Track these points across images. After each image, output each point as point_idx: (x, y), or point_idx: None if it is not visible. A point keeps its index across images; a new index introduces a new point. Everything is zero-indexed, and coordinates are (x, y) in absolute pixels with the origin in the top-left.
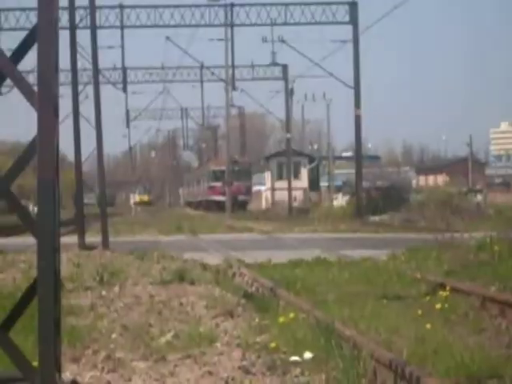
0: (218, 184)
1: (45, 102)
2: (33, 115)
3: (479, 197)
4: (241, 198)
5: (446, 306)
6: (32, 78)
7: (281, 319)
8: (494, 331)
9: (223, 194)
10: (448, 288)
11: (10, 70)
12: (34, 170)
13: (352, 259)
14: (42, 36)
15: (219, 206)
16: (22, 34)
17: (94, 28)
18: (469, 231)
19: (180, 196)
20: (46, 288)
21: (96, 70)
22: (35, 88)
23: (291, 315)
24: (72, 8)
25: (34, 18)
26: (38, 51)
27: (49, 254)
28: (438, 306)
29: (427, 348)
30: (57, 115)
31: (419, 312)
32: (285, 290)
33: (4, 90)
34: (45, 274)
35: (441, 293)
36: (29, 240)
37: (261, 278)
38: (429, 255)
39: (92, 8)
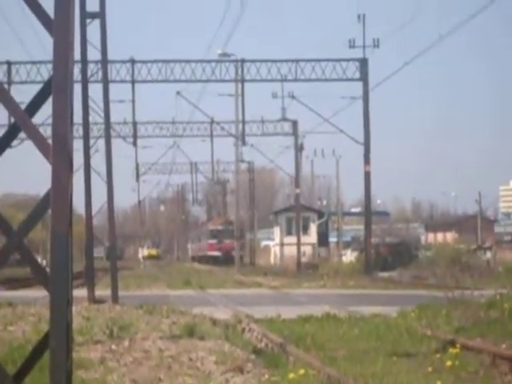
0: (215, 241)
1: (59, 156)
2: (43, 168)
3: (488, 254)
4: (234, 253)
5: (457, 363)
6: (42, 131)
7: (291, 375)
8: None
9: (219, 249)
10: (458, 345)
11: (25, 123)
12: (43, 223)
13: (362, 315)
14: (57, 89)
15: (216, 260)
16: (33, 88)
17: (106, 82)
18: (478, 288)
19: (188, 250)
20: (58, 341)
21: (108, 124)
22: (49, 141)
23: (301, 371)
24: (84, 62)
25: (44, 72)
26: (52, 105)
27: (62, 307)
28: (449, 363)
29: None
30: (71, 169)
31: (430, 369)
32: (294, 345)
33: (14, 142)
34: (57, 327)
35: (451, 350)
36: (38, 293)
37: (270, 334)
38: (439, 312)
39: (104, 62)
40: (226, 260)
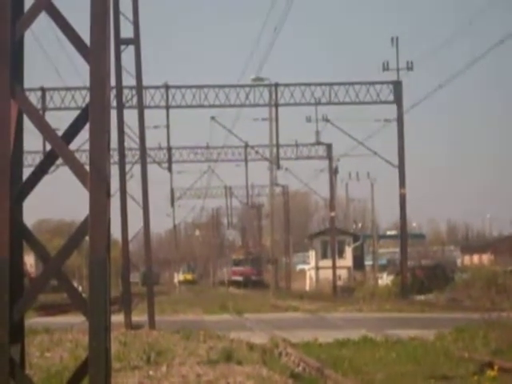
0: (237, 268)
1: (97, 183)
2: (79, 193)
3: None
4: (253, 277)
5: None
6: (78, 156)
7: None
8: None
9: (240, 275)
10: (496, 367)
11: (62, 150)
12: (78, 249)
13: (399, 339)
14: (94, 117)
15: (238, 284)
16: (67, 114)
17: (141, 108)
18: None
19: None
20: (97, 368)
21: (143, 150)
22: (86, 167)
23: None
24: (119, 88)
25: (79, 98)
26: (90, 132)
27: (100, 333)
28: None
29: None
30: (108, 195)
31: None
32: (332, 369)
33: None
34: (96, 354)
35: (489, 372)
36: (74, 319)
37: (307, 358)
38: (476, 335)
39: (139, 88)
40: (245, 283)
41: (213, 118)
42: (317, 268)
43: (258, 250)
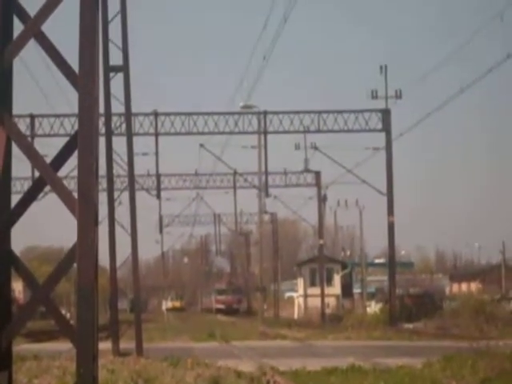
0: (220, 297)
1: (85, 210)
2: (67, 220)
3: None
4: (234, 306)
5: None
6: (66, 183)
7: None
8: None
9: (223, 303)
10: None
11: (51, 177)
12: (66, 275)
13: (387, 367)
14: (82, 144)
15: (221, 311)
16: (56, 141)
17: (130, 135)
18: (503, 339)
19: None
20: None
21: (132, 177)
22: (75, 195)
23: None
24: (108, 115)
25: (68, 125)
26: (78, 159)
27: (88, 360)
28: None
29: None
30: (97, 223)
31: None
32: None
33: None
34: (84, 381)
35: None
36: (62, 345)
37: None
38: (464, 363)
39: (128, 115)
40: (227, 311)
41: (201, 145)
42: (305, 296)
43: (238, 282)
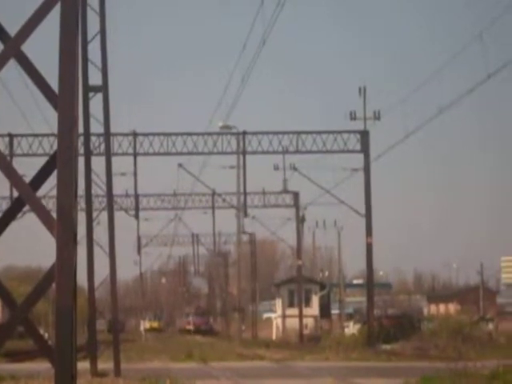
0: (189, 319)
1: (64, 230)
2: (46, 240)
3: (490, 325)
4: (202, 327)
5: None
6: (44, 203)
7: None
8: None
9: (192, 325)
10: None
11: (30, 197)
12: (45, 296)
13: None
14: (61, 164)
15: (189, 332)
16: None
17: (108, 155)
18: (481, 360)
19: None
20: None
21: (110, 197)
22: (53, 214)
23: None
24: (87, 135)
25: (46, 145)
26: (57, 179)
27: (66, 381)
28: None
29: None
30: (75, 244)
31: None
32: None
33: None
34: None
35: None
36: (41, 365)
37: None
38: None
39: (107, 135)
40: (196, 332)
41: (180, 165)
42: (283, 316)
43: (206, 307)
